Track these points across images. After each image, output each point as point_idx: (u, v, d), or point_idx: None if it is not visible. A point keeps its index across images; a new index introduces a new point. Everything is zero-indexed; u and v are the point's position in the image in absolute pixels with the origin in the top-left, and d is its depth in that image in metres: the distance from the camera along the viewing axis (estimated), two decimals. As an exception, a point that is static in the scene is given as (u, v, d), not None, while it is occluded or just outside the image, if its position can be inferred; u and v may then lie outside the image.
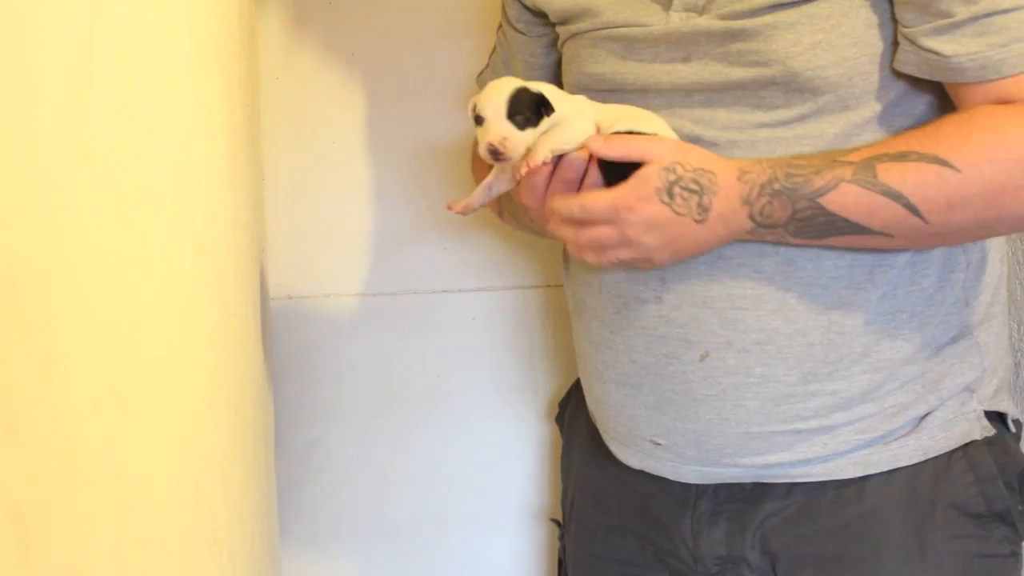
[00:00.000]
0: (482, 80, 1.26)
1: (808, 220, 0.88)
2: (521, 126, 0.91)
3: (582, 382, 1.13)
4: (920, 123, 0.92)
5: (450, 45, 1.44)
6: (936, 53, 0.87)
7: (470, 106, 0.94)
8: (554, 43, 1.14)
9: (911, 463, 0.97)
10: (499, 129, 0.91)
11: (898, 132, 0.92)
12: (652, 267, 0.93)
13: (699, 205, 0.88)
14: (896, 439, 0.97)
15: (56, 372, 0.44)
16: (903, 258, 0.94)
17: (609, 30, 1.00)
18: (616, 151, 0.89)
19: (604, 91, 1.01)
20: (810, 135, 0.92)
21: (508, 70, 1.21)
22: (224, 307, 0.91)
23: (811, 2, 0.90)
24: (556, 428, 1.48)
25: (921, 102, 0.93)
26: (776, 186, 0.87)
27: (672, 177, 0.88)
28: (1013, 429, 1.02)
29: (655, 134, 0.92)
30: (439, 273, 1.49)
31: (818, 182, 0.87)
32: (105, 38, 0.54)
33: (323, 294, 1.48)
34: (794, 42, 0.90)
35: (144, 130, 0.62)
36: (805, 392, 0.94)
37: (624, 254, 0.91)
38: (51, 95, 0.45)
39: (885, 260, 0.94)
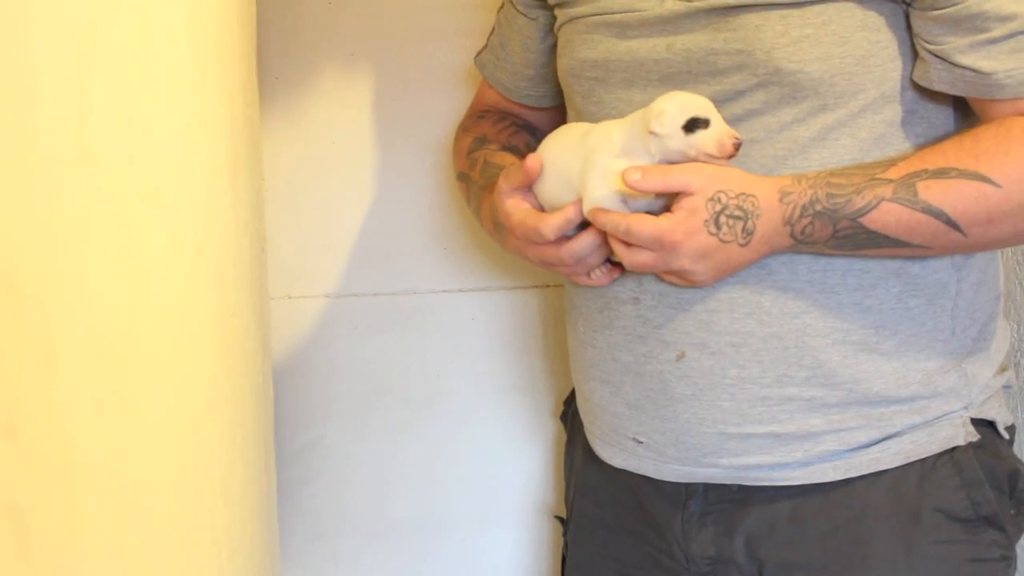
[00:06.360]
0: (480, 61, 1.26)
1: (848, 237, 0.89)
2: None
3: (573, 381, 1.13)
4: (898, 129, 0.93)
5: (450, 45, 1.44)
6: (973, 70, 0.88)
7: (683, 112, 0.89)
8: (551, 27, 1.13)
9: (893, 467, 0.96)
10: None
11: (876, 137, 0.92)
12: (691, 285, 0.94)
13: (744, 230, 0.89)
14: (877, 442, 0.96)
15: (56, 372, 0.44)
16: (890, 272, 0.94)
17: (605, 16, 1.00)
18: (655, 184, 0.89)
19: (592, 78, 1.02)
20: (787, 137, 0.92)
21: (504, 51, 1.21)
22: (224, 307, 0.90)
23: (806, 5, 0.90)
24: (555, 427, 1.48)
25: (900, 109, 0.93)
26: (818, 207, 0.88)
27: (718, 207, 0.88)
28: (1006, 435, 1.01)
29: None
30: (439, 273, 1.49)
31: (859, 202, 0.88)
32: (105, 38, 0.54)
33: (323, 294, 1.48)
34: (782, 33, 0.90)
35: (144, 130, 0.62)
36: (781, 395, 0.94)
37: (667, 277, 0.94)
38: (51, 95, 0.45)
39: (856, 264, 0.94)
